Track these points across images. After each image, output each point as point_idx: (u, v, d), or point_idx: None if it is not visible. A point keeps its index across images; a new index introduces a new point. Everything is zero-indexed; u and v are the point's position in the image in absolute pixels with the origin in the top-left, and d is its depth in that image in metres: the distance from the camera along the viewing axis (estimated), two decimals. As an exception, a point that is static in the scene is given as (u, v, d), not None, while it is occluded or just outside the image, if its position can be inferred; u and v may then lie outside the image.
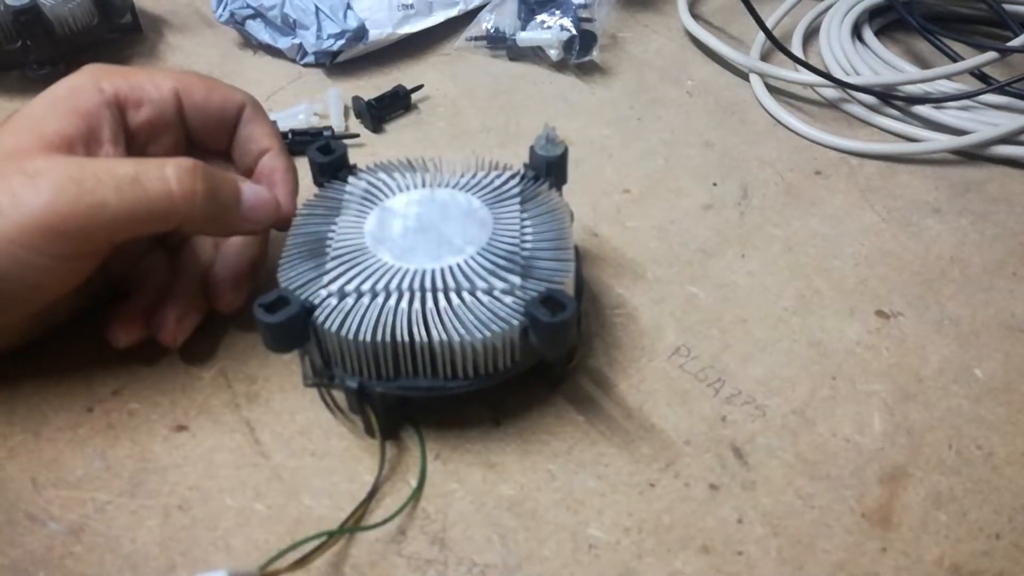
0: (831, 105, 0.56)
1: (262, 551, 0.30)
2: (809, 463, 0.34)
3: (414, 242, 0.34)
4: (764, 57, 0.60)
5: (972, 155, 0.51)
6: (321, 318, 0.31)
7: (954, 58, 0.57)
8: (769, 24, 0.58)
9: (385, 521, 0.31)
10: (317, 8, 0.56)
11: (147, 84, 0.37)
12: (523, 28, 0.59)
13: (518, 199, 0.36)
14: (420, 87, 0.55)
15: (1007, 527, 0.32)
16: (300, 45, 0.58)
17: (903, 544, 0.31)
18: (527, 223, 0.35)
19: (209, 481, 0.33)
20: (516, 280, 0.32)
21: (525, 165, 0.38)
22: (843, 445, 0.34)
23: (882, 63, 0.57)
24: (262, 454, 0.34)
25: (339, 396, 0.35)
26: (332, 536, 0.30)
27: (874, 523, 0.32)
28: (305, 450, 0.34)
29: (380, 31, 0.58)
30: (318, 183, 0.38)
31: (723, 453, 0.34)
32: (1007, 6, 0.59)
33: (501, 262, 0.33)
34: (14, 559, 0.30)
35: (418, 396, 0.33)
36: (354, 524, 0.31)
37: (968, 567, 0.30)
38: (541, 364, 0.34)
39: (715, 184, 0.49)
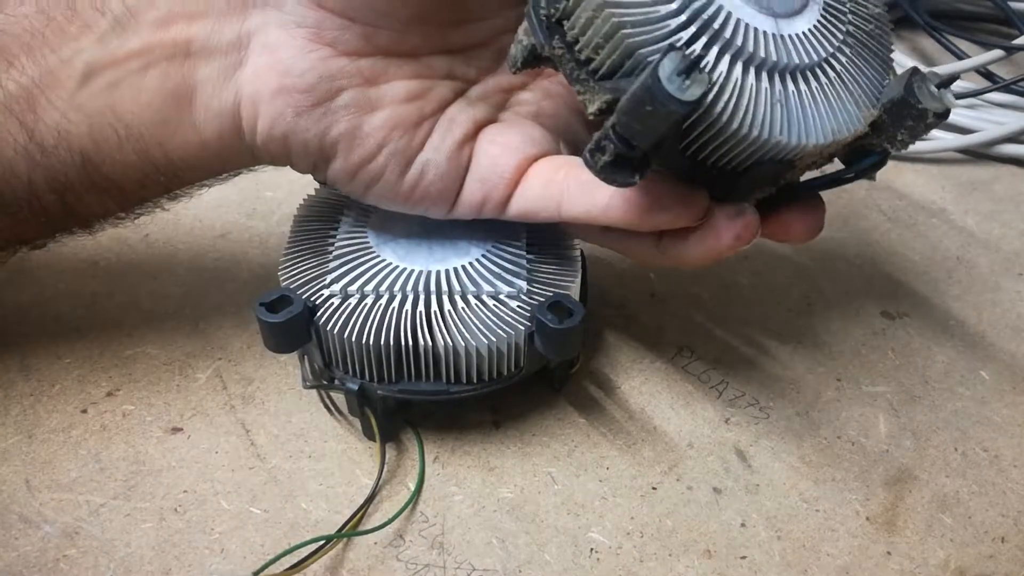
0: (835, 103, 0.55)
1: (258, 555, 0.30)
2: (813, 466, 0.33)
3: (418, 243, 0.33)
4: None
5: (978, 154, 0.51)
6: (324, 319, 0.31)
7: (960, 56, 0.57)
8: (772, 21, 0.57)
9: (383, 525, 0.31)
10: None
11: None
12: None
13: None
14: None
15: (1012, 530, 0.31)
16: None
17: (908, 547, 0.31)
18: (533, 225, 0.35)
19: (204, 484, 0.32)
20: (522, 284, 0.32)
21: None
22: (848, 448, 0.34)
23: (887, 60, 0.56)
24: (258, 456, 0.33)
25: (338, 398, 0.35)
26: (329, 540, 0.30)
27: (879, 526, 0.31)
28: (302, 452, 0.34)
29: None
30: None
31: (726, 456, 0.34)
32: (1013, 4, 0.58)
33: (507, 265, 0.33)
34: (7, 562, 0.30)
35: (420, 400, 0.32)
36: (352, 528, 0.30)
37: (973, 571, 0.30)
38: (546, 369, 0.34)
39: (718, 183, 0.48)
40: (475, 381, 0.32)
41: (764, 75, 0.25)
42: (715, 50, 0.24)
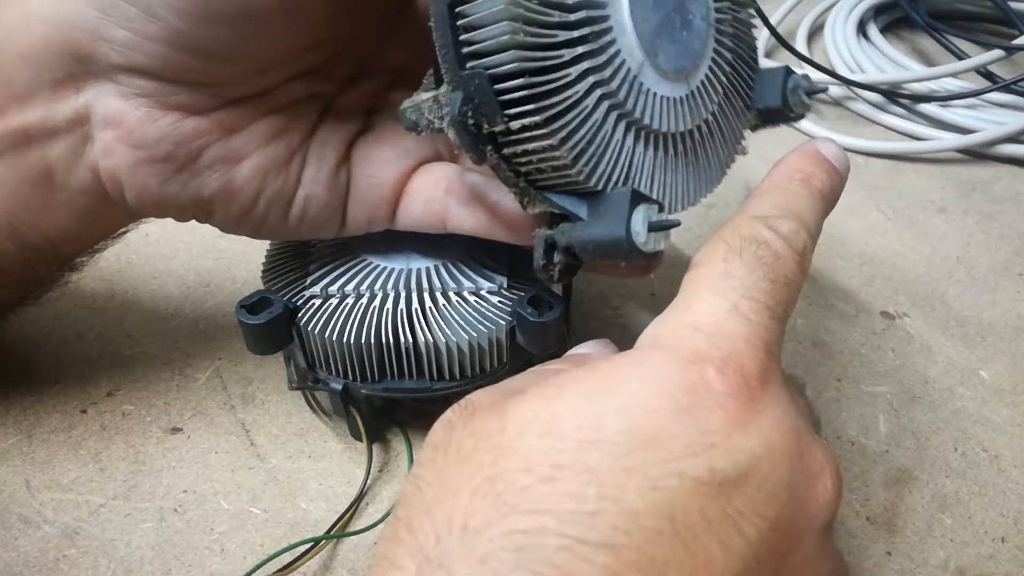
0: (836, 103, 0.56)
1: (257, 555, 0.30)
2: (813, 466, 0.33)
3: (399, 240, 0.33)
4: (768, 54, 0.60)
5: (978, 154, 0.51)
6: (304, 319, 0.31)
7: (960, 56, 0.57)
8: (773, 20, 0.57)
9: (374, 525, 0.31)
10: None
11: None
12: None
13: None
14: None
15: (1012, 530, 0.31)
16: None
17: (908, 547, 0.31)
18: None
19: (204, 484, 0.32)
20: (502, 279, 0.32)
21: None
22: (848, 448, 0.34)
23: (888, 60, 0.56)
24: (258, 456, 0.33)
25: (324, 399, 0.35)
26: (319, 542, 0.29)
27: (879, 526, 0.31)
28: (301, 452, 0.34)
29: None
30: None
31: (725, 456, 0.34)
32: (1013, 4, 0.58)
33: (487, 261, 0.33)
34: (7, 562, 0.30)
35: (404, 398, 0.32)
36: (342, 528, 0.30)
37: (973, 571, 0.30)
38: (530, 364, 0.34)
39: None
40: (459, 377, 0.32)
41: (680, 146, 0.25)
42: (642, 143, 0.24)
